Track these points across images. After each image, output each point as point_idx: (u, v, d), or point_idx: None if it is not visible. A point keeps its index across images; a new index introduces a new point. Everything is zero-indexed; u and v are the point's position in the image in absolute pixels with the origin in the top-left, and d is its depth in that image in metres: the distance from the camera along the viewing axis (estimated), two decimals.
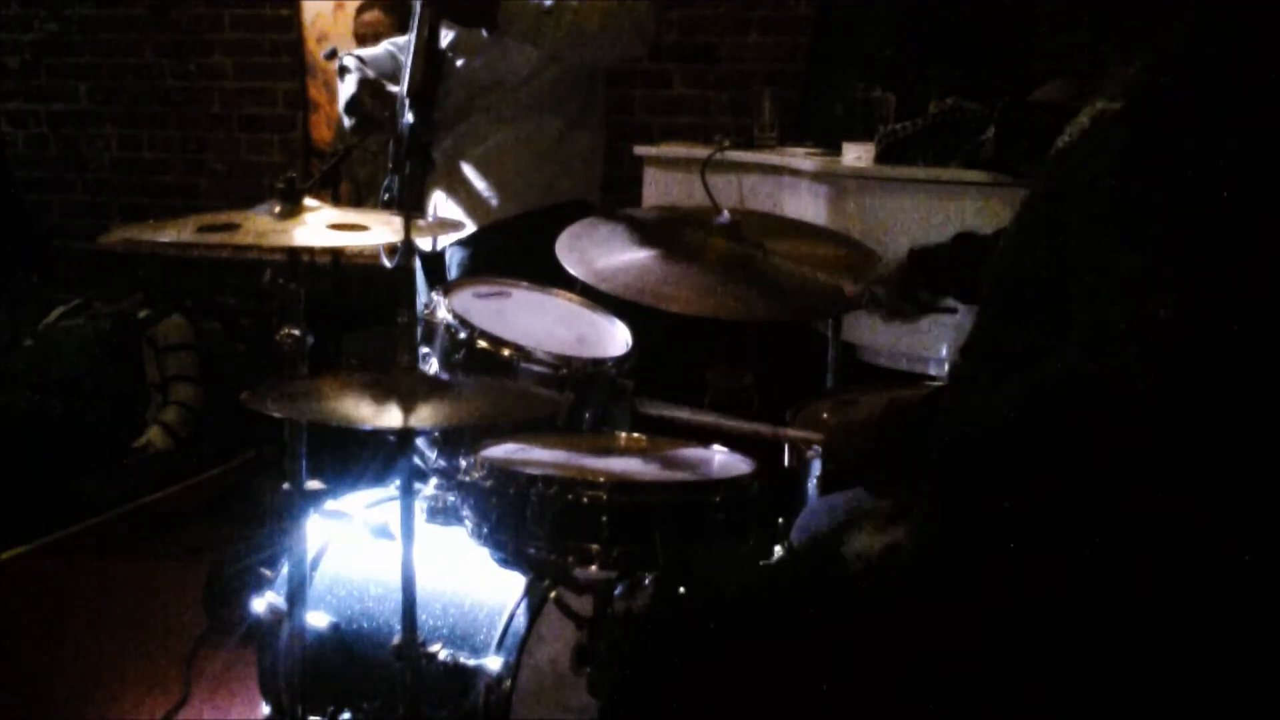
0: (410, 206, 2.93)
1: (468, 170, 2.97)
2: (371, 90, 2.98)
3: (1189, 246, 1.15)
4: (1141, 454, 1.16)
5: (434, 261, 3.03)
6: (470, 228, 2.95)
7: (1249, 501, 1.17)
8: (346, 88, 3.01)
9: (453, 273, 2.96)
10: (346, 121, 3.07)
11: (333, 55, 3.04)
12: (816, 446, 2.04)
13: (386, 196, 3.10)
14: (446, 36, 2.92)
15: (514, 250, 2.76)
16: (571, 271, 2.23)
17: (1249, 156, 1.16)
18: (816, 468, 2.13)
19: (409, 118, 2.93)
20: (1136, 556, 1.20)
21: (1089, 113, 1.29)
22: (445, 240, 2.98)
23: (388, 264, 3.08)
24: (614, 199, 3.13)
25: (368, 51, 3.13)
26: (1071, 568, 1.22)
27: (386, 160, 3.20)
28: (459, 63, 2.92)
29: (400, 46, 3.13)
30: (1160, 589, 1.20)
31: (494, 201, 2.94)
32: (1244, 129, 1.17)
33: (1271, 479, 1.17)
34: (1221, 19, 1.24)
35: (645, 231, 2.32)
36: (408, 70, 2.92)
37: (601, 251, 2.26)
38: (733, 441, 2.10)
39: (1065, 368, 1.19)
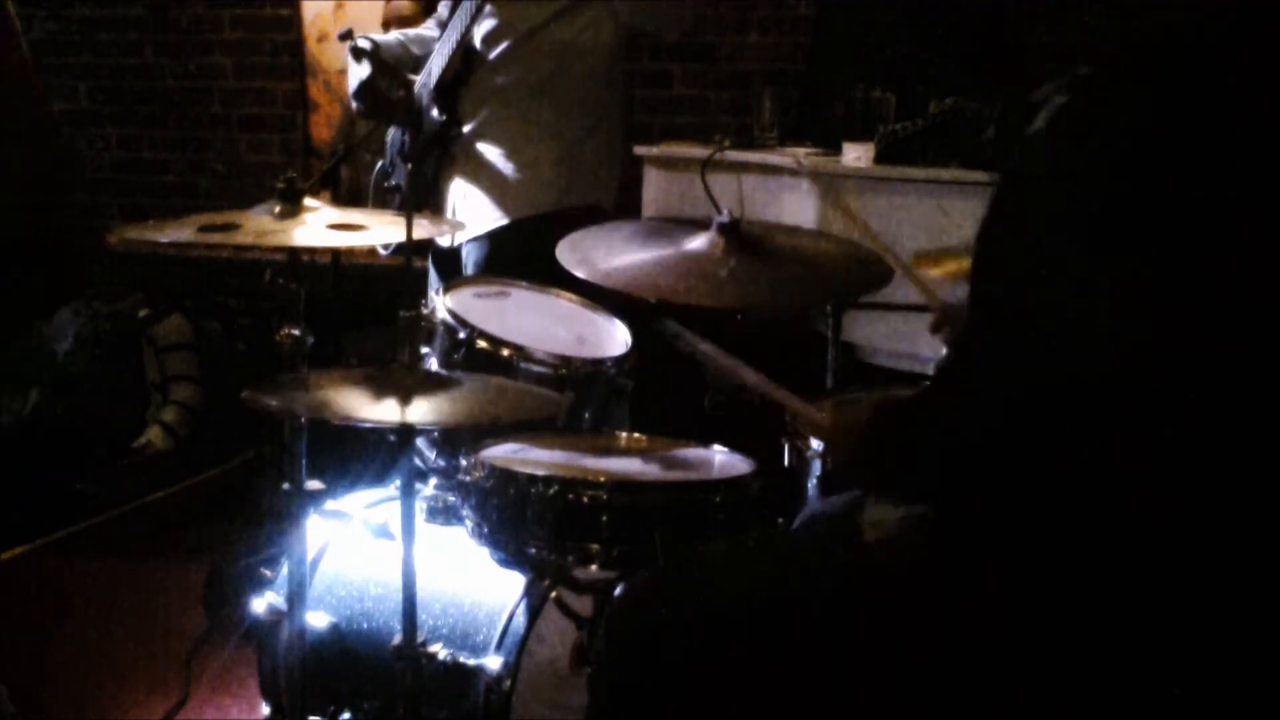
0: (420, 201, 2.93)
1: (489, 166, 2.97)
2: (387, 77, 2.98)
3: (1142, 235, 1.15)
4: (1113, 446, 1.16)
5: (450, 258, 3.04)
6: (482, 226, 2.95)
7: (1237, 495, 1.17)
8: (358, 71, 3.01)
9: (468, 270, 2.97)
10: (355, 105, 3.07)
11: (348, 35, 3.03)
12: (816, 444, 2.04)
13: (390, 184, 3.10)
14: (478, 32, 2.92)
15: (531, 250, 2.77)
16: (574, 271, 2.23)
17: (1201, 152, 1.16)
18: (817, 468, 2.13)
19: (434, 112, 2.94)
20: (1125, 551, 1.20)
21: (1046, 109, 1.29)
22: (462, 236, 2.99)
23: (382, 252, 3.08)
24: (616, 199, 3.13)
25: (380, 37, 3.12)
26: (1065, 567, 1.23)
27: (385, 154, 3.20)
28: (490, 57, 2.92)
29: (411, 38, 3.13)
30: (1150, 582, 1.20)
31: (517, 199, 2.95)
32: (1195, 124, 1.17)
33: (1250, 473, 1.17)
34: (1176, 21, 1.24)
35: (645, 236, 2.32)
36: (441, 62, 2.92)
37: (603, 253, 2.26)
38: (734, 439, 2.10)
39: (1023, 367, 1.19)
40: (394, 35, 3.16)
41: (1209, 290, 1.14)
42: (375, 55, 2.98)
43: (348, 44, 3.01)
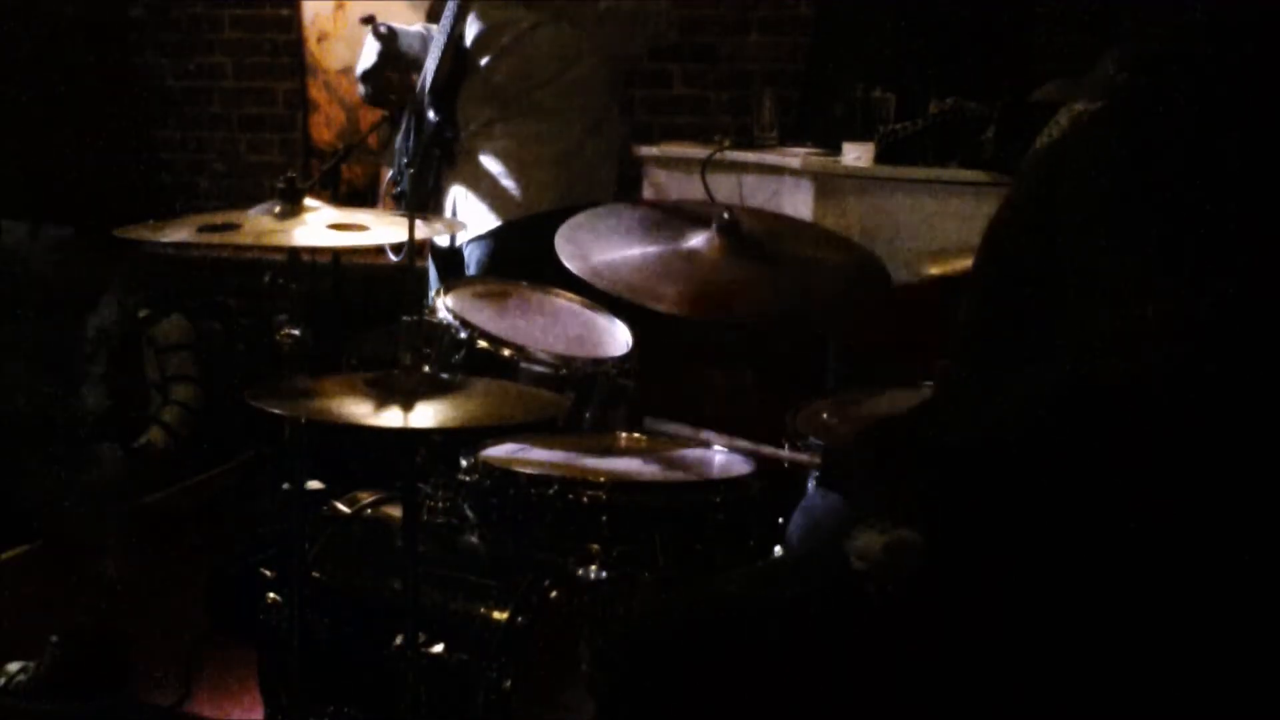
0: (422, 203, 2.93)
1: (490, 167, 2.97)
2: (395, 67, 2.99)
3: (1179, 248, 1.15)
4: (1137, 456, 1.15)
5: (451, 257, 3.04)
6: (483, 225, 2.96)
7: (1244, 501, 1.17)
8: (368, 56, 3.01)
9: (471, 269, 2.97)
10: (360, 89, 3.08)
11: (369, 20, 3.04)
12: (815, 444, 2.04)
13: (396, 191, 3.11)
14: (470, 33, 2.91)
15: (531, 249, 2.76)
16: (569, 266, 2.22)
17: (1237, 156, 1.16)
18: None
19: (431, 114, 2.94)
20: (1133, 558, 1.20)
21: (1067, 114, 1.29)
22: (463, 236, 2.99)
23: (393, 258, 3.09)
24: (614, 200, 3.13)
25: (401, 27, 3.12)
26: (1069, 570, 1.22)
27: (394, 164, 3.20)
28: (483, 60, 2.92)
29: (432, 35, 3.13)
30: (1158, 589, 1.20)
31: (516, 199, 2.95)
32: (1231, 129, 1.17)
33: (1267, 479, 1.17)
34: (1205, 19, 1.24)
35: (645, 228, 2.32)
36: (434, 64, 2.92)
37: (600, 246, 2.25)
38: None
39: (1059, 373, 1.19)
40: (418, 28, 3.15)
41: (1245, 299, 1.13)
42: (389, 43, 2.98)
43: (368, 27, 3.02)
